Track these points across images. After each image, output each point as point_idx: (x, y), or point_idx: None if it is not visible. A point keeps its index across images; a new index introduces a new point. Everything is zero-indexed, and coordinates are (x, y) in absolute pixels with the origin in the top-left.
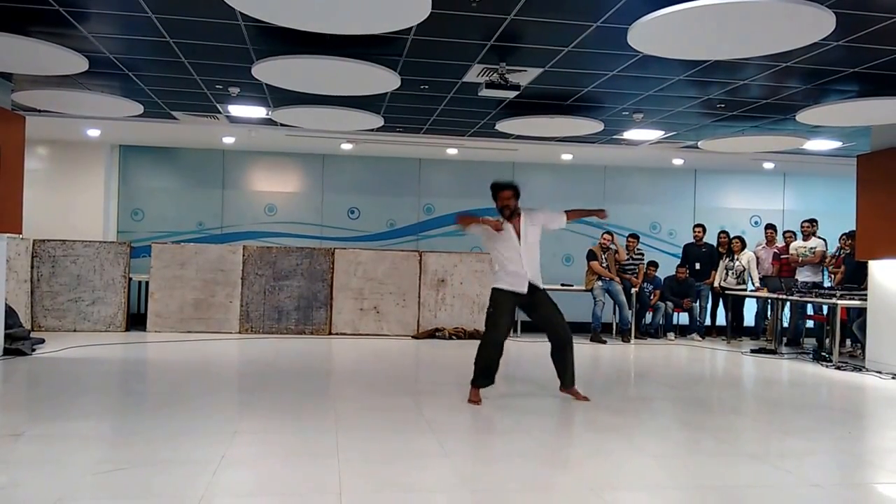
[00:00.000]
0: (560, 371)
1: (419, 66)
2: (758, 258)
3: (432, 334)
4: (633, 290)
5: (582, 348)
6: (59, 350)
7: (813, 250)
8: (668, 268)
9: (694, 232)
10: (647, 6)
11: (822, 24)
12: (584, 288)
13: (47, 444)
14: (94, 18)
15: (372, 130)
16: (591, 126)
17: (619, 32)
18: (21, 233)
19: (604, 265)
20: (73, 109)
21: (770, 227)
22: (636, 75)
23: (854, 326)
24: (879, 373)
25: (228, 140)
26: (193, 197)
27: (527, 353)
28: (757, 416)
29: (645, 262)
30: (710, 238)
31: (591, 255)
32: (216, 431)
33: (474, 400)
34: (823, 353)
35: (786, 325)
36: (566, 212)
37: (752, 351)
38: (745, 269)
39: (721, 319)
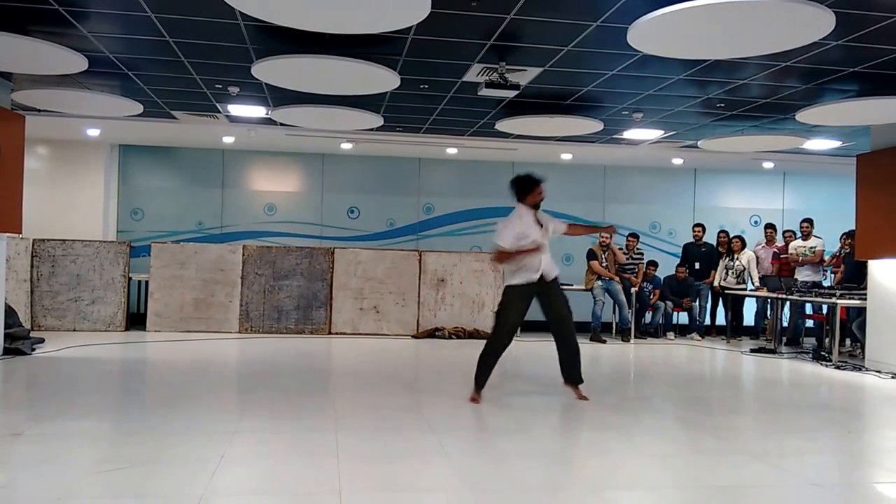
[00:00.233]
0: (567, 368)
1: (419, 66)
2: (757, 257)
3: (432, 334)
4: (633, 290)
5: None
6: (59, 350)
7: (813, 250)
8: (667, 267)
9: (693, 231)
10: (647, 6)
11: (821, 23)
12: (584, 287)
13: (47, 444)
14: (94, 18)
15: (372, 130)
16: (590, 125)
17: (619, 32)
18: (21, 232)
19: (603, 265)
20: (73, 109)
21: (770, 227)
22: (636, 75)
23: (854, 326)
24: (879, 372)
25: (228, 139)
26: (193, 196)
27: (528, 352)
28: (757, 416)
29: (644, 261)
30: (710, 237)
31: (591, 255)
32: (216, 431)
33: (476, 399)
34: (823, 353)
35: (785, 324)
36: (568, 223)
37: (752, 350)
38: (744, 269)
39: (721, 319)
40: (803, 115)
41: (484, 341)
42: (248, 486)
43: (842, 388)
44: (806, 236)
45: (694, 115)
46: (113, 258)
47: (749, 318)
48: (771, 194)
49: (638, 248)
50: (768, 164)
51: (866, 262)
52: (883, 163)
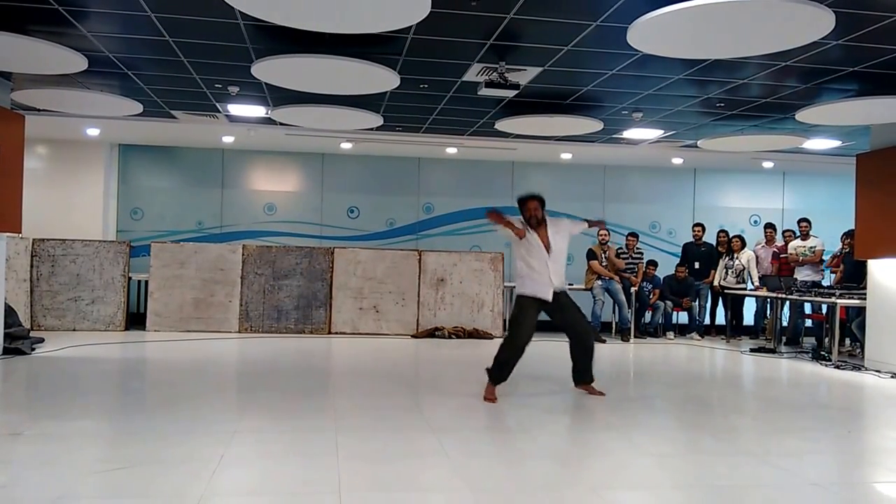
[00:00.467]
0: (578, 367)
1: (419, 66)
2: (757, 257)
3: (432, 333)
4: (633, 290)
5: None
6: (59, 349)
7: (812, 249)
8: (667, 267)
9: (693, 231)
10: (647, 5)
11: (821, 22)
12: (583, 287)
13: (46, 444)
14: (94, 17)
15: (371, 129)
16: (590, 125)
17: (619, 31)
18: (20, 232)
19: (603, 264)
20: (73, 108)
21: (769, 227)
22: (635, 74)
23: (853, 325)
24: (878, 372)
25: (228, 139)
26: (193, 196)
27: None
28: (756, 416)
29: (644, 261)
30: (710, 237)
31: (591, 255)
32: (215, 431)
33: (489, 398)
34: (823, 353)
35: (785, 324)
36: (586, 221)
37: (752, 350)
38: (744, 268)
39: (720, 318)
40: (803, 115)
41: (483, 341)
42: (248, 485)
43: (841, 388)
44: (804, 236)
45: (694, 114)
46: (113, 258)
47: (749, 317)
48: (771, 194)
49: (637, 248)
50: (768, 164)
51: (866, 261)
52: (883, 162)
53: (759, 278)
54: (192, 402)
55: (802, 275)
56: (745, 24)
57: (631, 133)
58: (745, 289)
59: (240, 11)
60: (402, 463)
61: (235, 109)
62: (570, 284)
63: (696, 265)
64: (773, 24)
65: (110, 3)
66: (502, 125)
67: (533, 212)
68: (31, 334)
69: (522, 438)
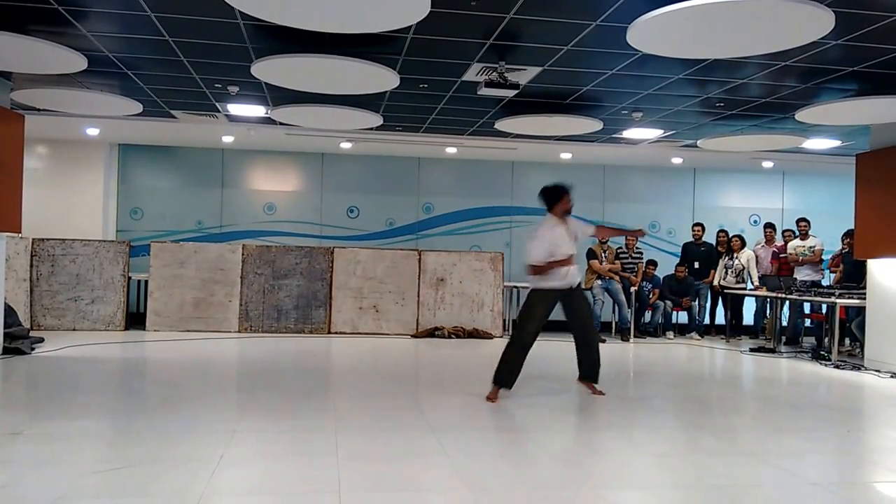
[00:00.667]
0: (583, 364)
1: (418, 65)
2: (757, 257)
3: (431, 333)
4: (633, 289)
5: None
6: (59, 349)
7: (812, 249)
8: (667, 267)
9: (693, 231)
10: (647, 5)
11: (821, 22)
12: (583, 287)
13: (46, 443)
14: (94, 17)
15: (371, 129)
16: (590, 125)
17: (619, 31)
18: (20, 232)
19: (603, 264)
20: (73, 108)
21: (769, 226)
22: (635, 74)
23: (853, 325)
24: (878, 371)
25: (227, 139)
26: (193, 196)
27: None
28: (756, 415)
29: (644, 260)
30: (710, 237)
31: (591, 254)
32: (215, 430)
33: (491, 397)
34: (822, 352)
35: (785, 323)
36: (596, 226)
37: (751, 350)
38: (744, 268)
39: (720, 318)
40: (803, 115)
41: (483, 340)
42: (248, 485)
43: (841, 388)
44: (803, 235)
45: (693, 114)
46: (112, 257)
47: (748, 317)
48: (770, 194)
49: (637, 248)
50: (768, 164)
51: (865, 261)
52: (882, 162)
53: (759, 278)
54: (191, 401)
55: (802, 274)
56: (744, 24)
57: (631, 133)
58: (744, 288)
59: (240, 11)
60: (402, 462)
61: (235, 109)
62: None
63: (696, 265)
64: (772, 24)
65: (110, 3)
66: (502, 125)
67: (570, 203)
68: (31, 334)
69: (522, 438)
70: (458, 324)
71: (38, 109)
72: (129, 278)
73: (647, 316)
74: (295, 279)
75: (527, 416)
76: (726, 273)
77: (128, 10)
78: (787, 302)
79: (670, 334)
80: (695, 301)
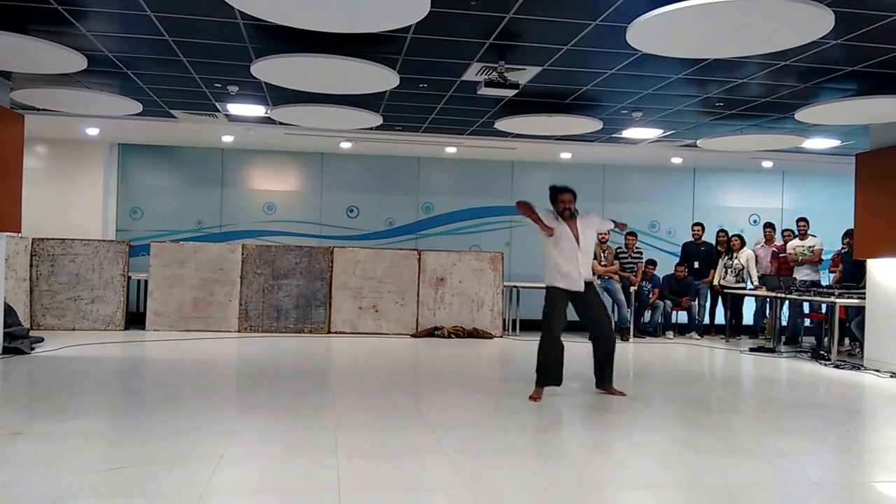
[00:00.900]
0: (599, 369)
1: (418, 65)
2: (756, 256)
3: (431, 333)
4: (632, 289)
5: (580, 346)
6: (58, 349)
7: (811, 249)
8: (667, 266)
9: (693, 230)
10: (646, 5)
11: (820, 22)
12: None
13: (46, 443)
14: (93, 17)
15: (371, 129)
16: (589, 125)
17: (618, 31)
18: (20, 231)
19: (602, 264)
20: (72, 108)
21: (768, 226)
22: (635, 74)
23: (853, 325)
24: (878, 371)
25: (227, 139)
26: (192, 196)
27: (528, 352)
28: (755, 415)
29: (643, 260)
30: (709, 237)
31: None
32: (215, 430)
33: (535, 397)
34: (822, 352)
35: (784, 323)
36: (612, 221)
37: (751, 349)
38: (744, 268)
39: (720, 318)
40: (802, 114)
41: (483, 340)
42: (248, 485)
43: (840, 388)
44: (802, 235)
45: (693, 114)
46: (112, 257)
47: (748, 317)
48: (770, 193)
49: (637, 247)
50: (767, 164)
51: (865, 261)
52: (882, 162)
53: (759, 278)
54: (191, 401)
55: (801, 274)
56: (744, 24)
57: (630, 132)
58: (744, 288)
59: (239, 11)
60: (402, 462)
61: (235, 109)
62: None
63: (696, 264)
64: (772, 24)
65: (110, 3)
66: (502, 125)
67: (567, 204)
68: (31, 334)
69: (522, 437)
70: (458, 323)
71: (38, 109)
72: (129, 278)
73: (647, 316)
74: (295, 279)
75: (527, 415)
76: (726, 273)
77: (127, 9)
78: (787, 302)
79: (670, 334)
80: (694, 301)
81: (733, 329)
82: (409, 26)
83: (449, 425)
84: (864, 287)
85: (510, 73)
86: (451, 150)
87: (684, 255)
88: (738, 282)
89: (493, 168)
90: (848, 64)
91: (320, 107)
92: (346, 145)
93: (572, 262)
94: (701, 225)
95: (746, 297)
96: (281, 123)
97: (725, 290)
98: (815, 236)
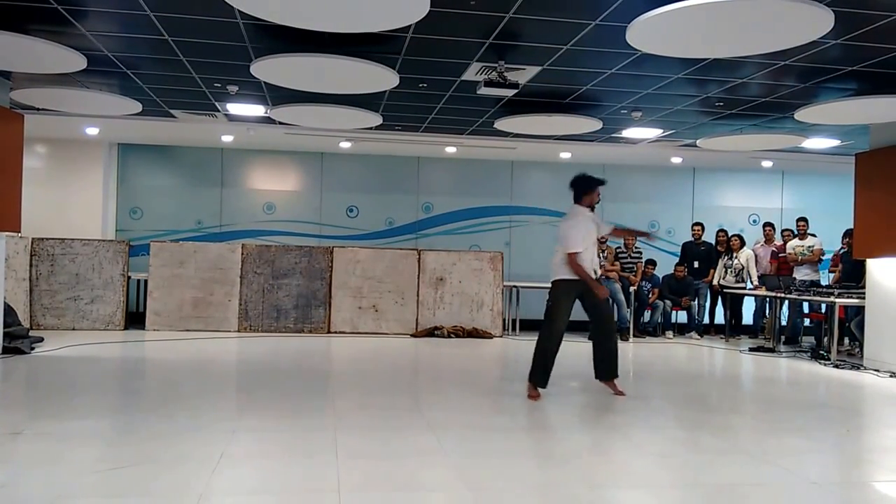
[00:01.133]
0: (599, 362)
1: (418, 65)
2: (756, 255)
3: (431, 333)
4: (632, 289)
5: (580, 346)
6: (58, 348)
7: (811, 249)
8: (666, 266)
9: (692, 230)
10: (646, 4)
11: (820, 22)
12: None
13: (46, 443)
14: (93, 16)
15: (371, 129)
16: (589, 124)
17: (618, 31)
18: (20, 231)
19: (602, 264)
20: (72, 107)
21: (768, 225)
22: (635, 73)
23: (852, 325)
24: (877, 371)
25: (227, 138)
26: (192, 195)
27: (528, 352)
28: (755, 415)
29: (643, 260)
30: (709, 236)
31: None
32: (215, 430)
33: (533, 395)
34: (821, 352)
35: (784, 323)
36: (613, 227)
37: (751, 349)
38: (743, 268)
39: (720, 318)
40: (802, 114)
41: (483, 340)
42: (248, 484)
43: (840, 387)
44: (802, 235)
45: (693, 113)
46: (112, 257)
47: (748, 317)
48: (770, 193)
49: (636, 247)
50: (767, 163)
51: (864, 260)
52: (882, 162)
53: (759, 277)
54: (191, 401)
55: (801, 274)
56: (744, 23)
57: (630, 132)
58: (744, 288)
59: (239, 10)
60: (402, 462)
61: (235, 108)
62: None
63: (696, 264)
64: (772, 24)
65: (109, 2)
66: (501, 124)
67: (598, 197)
68: (31, 333)
69: (522, 437)
70: (458, 323)
71: (38, 109)
72: (129, 278)
73: (647, 315)
74: (294, 279)
75: (527, 415)
76: (726, 272)
77: (127, 9)
78: (787, 301)
79: (669, 334)
80: (694, 300)
81: (733, 329)
82: (409, 26)
83: (449, 425)
84: (863, 287)
85: (510, 73)
86: (450, 149)
87: (684, 255)
88: (737, 282)
89: (493, 168)
90: (848, 64)
91: (320, 106)
92: (345, 145)
93: (591, 252)
94: (701, 225)
95: (746, 297)
96: (281, 123)
97: (725, 290)
98: (814, 236)
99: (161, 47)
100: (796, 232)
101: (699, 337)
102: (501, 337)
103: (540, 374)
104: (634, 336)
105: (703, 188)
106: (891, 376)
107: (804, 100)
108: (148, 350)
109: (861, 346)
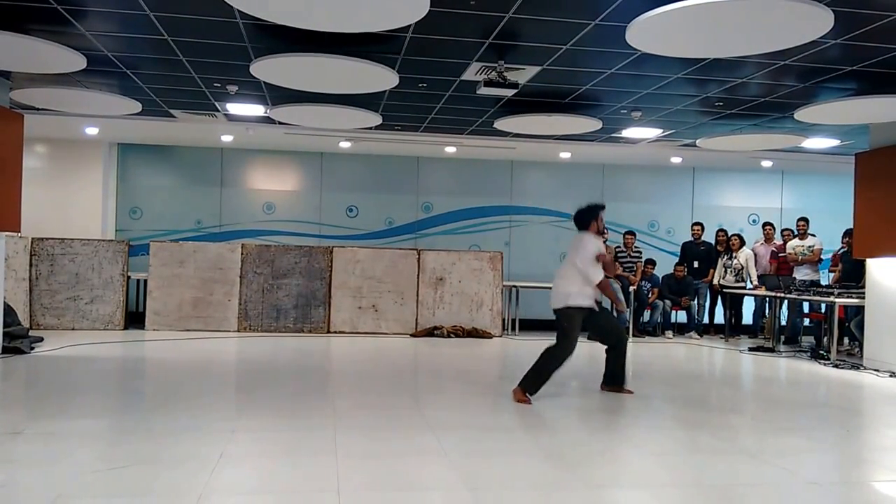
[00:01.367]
0: (611, 370)
1: (417, 65)
2: (756, 254)
3: (430, 332)
4: (631, 289)
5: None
6: (58, 348)
7: (811, 249)
8: (666, 266)
9: (692, 230)
10: (646, 4)
11: (820, 21)
12: None
13: (46, 443)
14: (93, 16)
15: (370, 128)
16: (589, 124)
17: (618, 30)
18: (20, 231)
19: None
20: (72, 107)
21: (768, 224)
22: (634, 73)
23: (852, 325)
24: (877, 371)
25: (227, 138)
26: (192, 195)
27: (527, 352)
28: (755, 414)
29: (643, 259)
30: (709, 236)
31: None
32: (215, 430)
33: (523, 399)
34: (821, 352)
35: (784, 323)
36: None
37: (751, 349)
38: (743, 267)
39: (719, 317)
40: (802, 114)
41: (482, 340)
42: (247, 484)
43: (840, 387)
44: (802, 235)
45: (692, 113)
46: (112, 257)
47: (747, 316)
48: (769, 193)
49: (636, 247)
50: (767, 163)
51: (864, 260)
52: (881, 161)
53: (758, 277)
54: (191, 401)
55: (801, 274)
56: (743, 23)
57: (630, 132)
58: (744, 288)
59: (239, 10)
60: (401, 461)
61: (234, 108)
62: None
63: (695, 264)
64: (771, 23)
65: (109, 2)
66: (501, 124)
67: (603, 222)
68: (30, 333)
69: (521, 437)
70: (457, 323)
71: (38, 109)
72: (129, 278)
73: (646, 315)
74: (294, 278)
75: (526, 415)
76: (725, 272)
77: (127, 9)
78: (786, 301)
79: (669, 334)
80: (694, 300)
81: (732, 329)
82: (409, 26)
83: (449, 425)
84: (863, 287)
85: (509, 73)
86: (450, 149)
87: (684, 255)
88: (737, 281)
89: (493, 168)
90: (847, 63)
91: (320, 106)
92: (345, 145)
93: (597, 279)
94: (700, 224)
95: (746, 297)
96: (280, 123)
97: (725, 290)
98: (814, 236)
99: (161, 47)
100: (796, 232)
101: (699, 337)
102: (501, 337)
103: (539, 385)
104: (634, 336)
105: (702, 188)
106: (890, 376)
107: (804, 100)
108: (147, 350)
109: (861, 346)
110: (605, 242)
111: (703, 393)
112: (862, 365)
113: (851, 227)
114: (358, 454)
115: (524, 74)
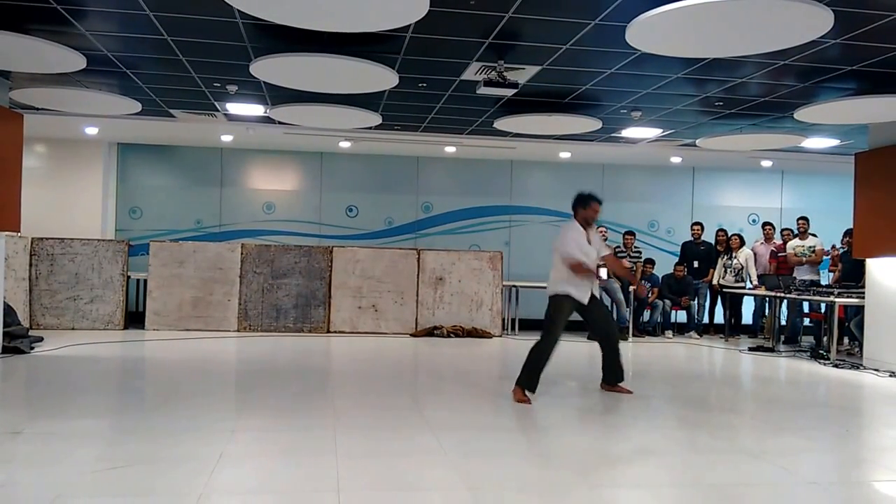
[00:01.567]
0: (607, 365)
1: (417, 64)
2: (756, 253)
3: (430, 332)
4: (631, 288)
5: (579, 346)
6: (58, 348)
7: (812, 249)
8: (666, 266)
9: (692, 230)
10: (646, 4)
11: (819, 21)
12: None
13: (46, 442)
14: (93, 16)
15: (370, 128)
16: (589, 124)
17: (618, 30)
18: (19, 231)
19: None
20: (72, 107)
21: (768, 224)
22: (634, 73)
23: (852, 324)
24: (877, 371)
25: (226, 138)
26: (192, 195)
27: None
28: (754, 414)
29: (642, 259)
30: (709, 236)
31: None
32: (215, 429)
33: (523, 399)
34: (821, 351)
35: (783, 323)
36: (610, 254)
37: (750, 349)
38: (743, 267)
39: (719, 317)
40: (801, 114)
41: (482, 340)
42: (247, 484)
43: (840, 387)
44: (802, 234)
45: (692, 113)
46: (111, 257)
47: (747, 316)
48: (769, 193)
49: (635, 247)
50: (766, 163)
51: (864, 260)
52: (881, 161)
53: (758, 277)
54: (191, 400)
55: (801, 273)
56: (743, 23)
57: (630, 132)
58: (743, 287)
59: (238, 10)
60: (401, 461)
61: (234, 108)
62: None
63: (695, 264)
64: (771, 23)
65: (109, 2)
66: (501, 124)
67: (596, 215)
68: (30, 333)
69: (521, 437)
70: (457, 323)
71: (37, 108)
72: (128, 277)
73: (646, 315)
74: (294, 278)
75: (526, 415)
76: (725, 272)
77: (127, 9)
78: (786, 301)
79: (669, 333)
80: (694, 300)
81: (732, 328)
82: (409, 26)
83: (449, 425)
84: (863, 286)
85: (509, 73)
86: (450, 149)
87: (683, 255)
88: (737, 281)
89: (493, 167)
90: (847, 63)
91: (319, 106)
92: (345, 145)
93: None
94: (700, 224)
95: (746, 297)
96: (280, 123)
97: (725, 290)
98: (815, 235)
99: (161, 47)
100: (797, 231)
101: (698, 336)
102: (501, 337)
103: (535, 379)
104: (634, 336)
105: (702, 188)
106: (890, 376)
107: (804, 99)
108: (147, 350)
109: (860, 346)
110: (604, 242)
111: (703, 393)
112: (862, 365)
113: (851, 226)
114: (358, 454)
115: (524, 74)
